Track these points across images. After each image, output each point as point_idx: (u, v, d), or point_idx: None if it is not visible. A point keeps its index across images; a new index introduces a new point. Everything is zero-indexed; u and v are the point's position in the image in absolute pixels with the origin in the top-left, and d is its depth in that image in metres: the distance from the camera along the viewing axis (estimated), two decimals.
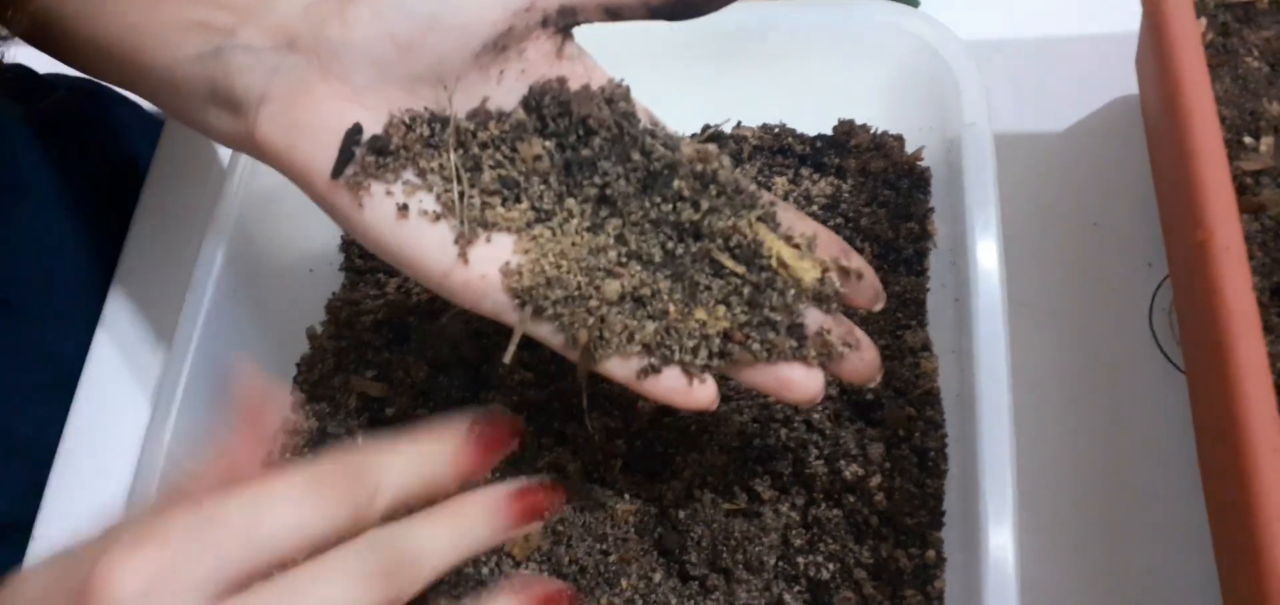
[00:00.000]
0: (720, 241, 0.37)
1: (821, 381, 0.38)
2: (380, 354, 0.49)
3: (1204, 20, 0.44)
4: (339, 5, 0.36)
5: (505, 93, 0.37)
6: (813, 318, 0.38)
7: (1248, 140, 0.41)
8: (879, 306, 0.39)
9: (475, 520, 0.32)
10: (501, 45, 0.36)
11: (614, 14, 0.37)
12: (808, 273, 0.37)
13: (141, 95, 0.40)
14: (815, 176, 0.50)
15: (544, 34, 0.37)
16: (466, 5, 0.35)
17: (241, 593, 0.27)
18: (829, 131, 0.51)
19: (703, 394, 0.37)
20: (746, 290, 0.37)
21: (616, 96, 0.37)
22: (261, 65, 0.36)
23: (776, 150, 0.51)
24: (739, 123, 0.52)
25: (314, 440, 0.47)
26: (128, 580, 0.26)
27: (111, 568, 0.26)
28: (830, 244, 0.38)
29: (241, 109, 0.36)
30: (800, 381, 0.37)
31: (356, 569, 0.28)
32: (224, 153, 0.48)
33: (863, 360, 0.38)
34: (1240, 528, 0.34)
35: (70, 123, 0.60)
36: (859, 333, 0.38)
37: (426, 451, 0.32)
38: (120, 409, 0.52)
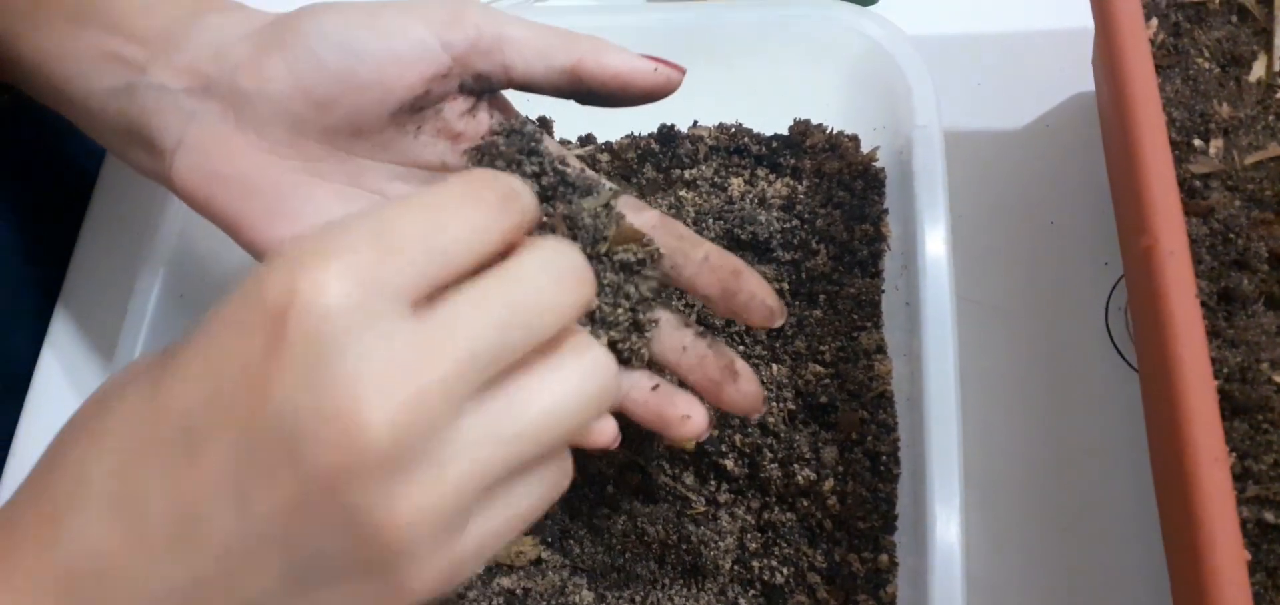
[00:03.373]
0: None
1: (703, 415, 0.37)
2: None
3: (1155, 20, 0.43)
4: (253, 54, 0.36)
5: (422, 147, 0.38)
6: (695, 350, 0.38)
7: (1197, 143, 0.41)
8: (777, 323, 0.37)
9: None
10: (418, 105, 0.37)
11: (527, 88, 0.38)
12: None
13: (68, 117, 0.39)
14: (771, 177, 0.50)
15: (460, 95, 0.38)
16: (384, 68, 0.35)
17: (447, 293, 0.25)
18: (785, 131, 0.51)
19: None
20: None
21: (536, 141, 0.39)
22: (177, 109, 0.36)
23: (732, 150, 0.51)
24: (696, 122, 0.52)
25: None
26: (331, 288, 0.24)
27: (311, 278, 0.24)
28: (721, 261, 0.38)
29: (158, 150, 0.36)
30: (676, 417, 0.36)
31: (557, 263, 0.27)
32: None
33: (740, 393, 0.37)
34: (1186, 533, 0.34)
35: (21, 128, 0.59)
36: (739, 364, 0.38)
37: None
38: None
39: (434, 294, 0.25)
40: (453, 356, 0.24)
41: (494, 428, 0.25)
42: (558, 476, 0.28)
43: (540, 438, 0.26)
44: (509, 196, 0.27)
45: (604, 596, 0.43)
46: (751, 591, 0.43)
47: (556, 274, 0.27)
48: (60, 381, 0.52)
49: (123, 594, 0.25)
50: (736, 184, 0.50)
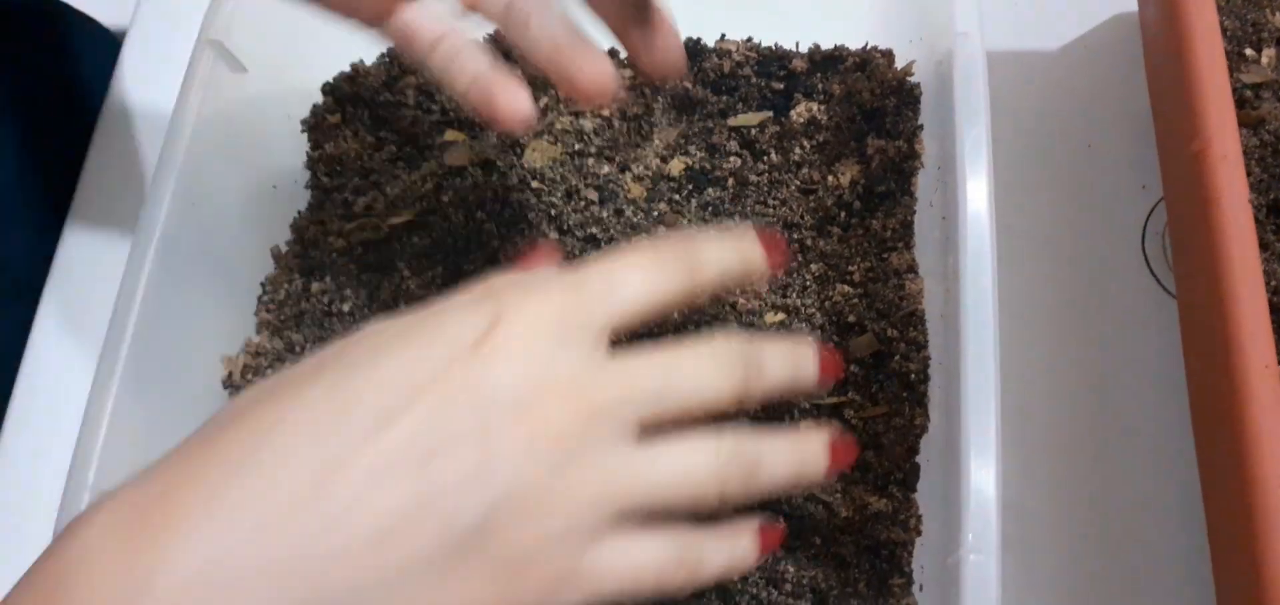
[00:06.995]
0: None
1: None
2: (348, 271, 0.47)
3: None
4: None
5: None
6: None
7: (1248, 52, 0.39)
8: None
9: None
10: None
11: None
12: None
13: None
14: (801, 93, 0.48)
15: None
16: None
17: (623, 349, 0.29)
18: (816, 45, 0.49)
19: None
20: None
21: None
22: None
23: (762, 65, 0.49)
24: (723, 36, 0.50)
25: (279, 361, 0.45)
26: (539, 315, 0.28)
27: (526, 301, 0.28)
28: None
29: None
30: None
31: (725, 359, 0.30)
32: (183, 68, 0.46)
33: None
34: (1228, 446, 0.33)
35: (29, 42, 0.58)
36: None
37: (736, 243, 0.32)
38: (79, 328, 0.50)
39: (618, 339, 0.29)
40: (619, 388, 0.28)
41: (631, 464, 0.28)
42: (678, 555, 0.30)
43: (665, 491, 0.29)
44: (686, 266, 0.30)
45: None
46: (778, 518, 0.42)
47: (718, 377, 0.30)
48: (72, 286, 0.52)
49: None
50: (758, 117, 0.48)
